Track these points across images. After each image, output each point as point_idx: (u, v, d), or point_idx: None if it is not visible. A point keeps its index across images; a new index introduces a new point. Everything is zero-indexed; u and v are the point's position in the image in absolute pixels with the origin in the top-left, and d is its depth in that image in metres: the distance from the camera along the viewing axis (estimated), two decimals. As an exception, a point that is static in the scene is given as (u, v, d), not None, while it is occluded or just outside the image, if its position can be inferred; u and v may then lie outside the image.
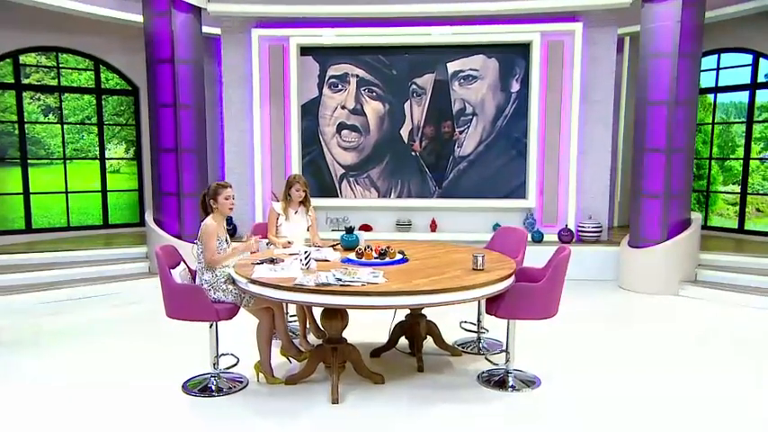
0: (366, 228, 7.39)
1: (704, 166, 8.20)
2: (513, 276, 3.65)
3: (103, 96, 8.18)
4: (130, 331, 5.00)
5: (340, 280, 3.26)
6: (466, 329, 4.70)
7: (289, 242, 4.46)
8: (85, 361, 4.25)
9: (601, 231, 7.25)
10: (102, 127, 8.18)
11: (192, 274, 3.83)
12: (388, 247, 3.98)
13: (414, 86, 7.57)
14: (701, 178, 8.20)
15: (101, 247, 7.01)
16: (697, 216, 6.50)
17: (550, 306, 3.60)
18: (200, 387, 3.70)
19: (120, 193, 8.41)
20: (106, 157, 8.25)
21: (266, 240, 4.47)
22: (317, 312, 4.45)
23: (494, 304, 3.63)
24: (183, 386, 3.73)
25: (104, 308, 5.73)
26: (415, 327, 4.20)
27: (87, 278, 6.35)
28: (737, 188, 7.88)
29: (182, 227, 6.69)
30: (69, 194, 7.99)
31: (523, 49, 7.35)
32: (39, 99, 7.77)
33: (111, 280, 6.37)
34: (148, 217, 6.90)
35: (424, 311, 4.27)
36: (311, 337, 4.54)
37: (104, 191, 8.25)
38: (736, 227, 7.85)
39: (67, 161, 7.98)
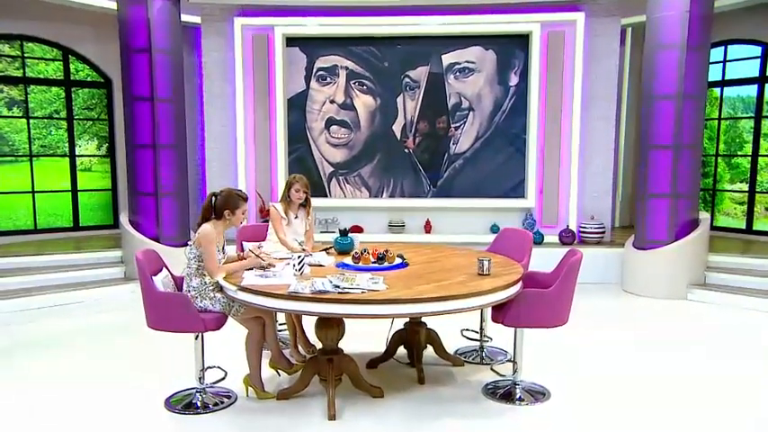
0: (357, 229, 7.31)
1: (710, 163, 8.24)
2: (521, 282, 3.61)
3: (73, 89, 8.02)
4: (105, 342, 4.87)
5: (338, 287, 3.17)
6: (468, 338, 4.65)
7: (302, 247, 4.31)
8: (56, 376, 4.12)
9: (604, 232, 7.25)
10: (71, 122, 8.02)
11: (176, 280, 3.72)
12: (386, 251, 3.91)
13: (407, 80, 7.52)
14: (707, 176, 8.24)
15: (71, 251, 6.86)
16: (705, 216, 6.51)
17: (562, 313, 3.55)
18: (184, 403, 3.60)
19: (92, 193, 8.25)
20: (76, 154, 8.09)
21: (257, 244, 4.36)
22: (308, 322, 4.38)
23: (500, 311, 3.58)
24: (165, 402, 3.63)
25: (76, 317, 5.59)
26: (414, 335, 4.14)
27: (56, 285, 6.20)
28: (745, 186, 7.93)
29: (160, 229, 6.56)
30: (36, 194, 7.82)
31: (522, 40, 7.33)
32: (2, 91, 7.58)
33: (83, 287, 6.23)
34: (123, 218, 6.78)
35: (424, 319, 4.20)
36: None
37: (75, 190, 8.09)
38: (744, 227, 7.90)
39: (34, 158, 7.80)
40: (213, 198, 3.60)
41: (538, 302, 3.50)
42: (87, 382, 4.00)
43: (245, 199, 3.64)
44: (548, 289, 3.51)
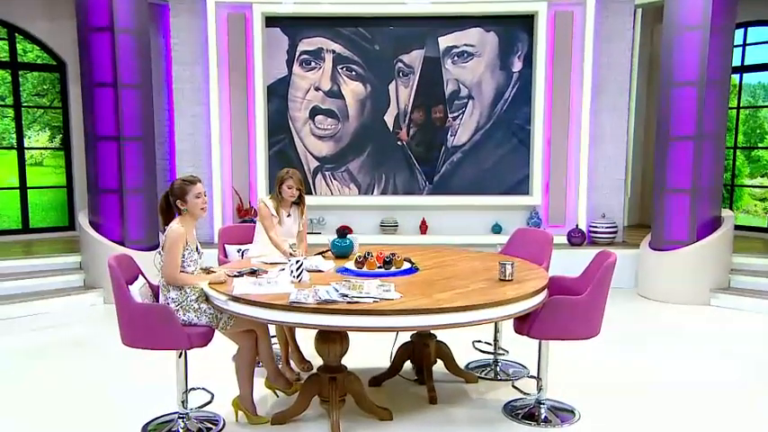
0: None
1: (728, 156, 8.25)
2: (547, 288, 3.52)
3: (21, 72, 7.81)
4: (66, 361, 4.67)
5: (345, 296, 3.03)
6: (481, 350, 4.54)
7: (293, 250, 4.09)
8: (11, 402, 3.92)
9: (616, 232, 7.24)
10: (19, 110, 7.81)
11: (154, 289, 3.55)
12: (393, 254, 3.78)
13: (400, 65, 7.44)
14: (725, 170, 8.25)
15: (20, 256, 6.65)
16: (729, 214, 6.53)
17: (594, 323, 3.48)
18: (164, 431, 3.47)
19: (44, 191, 8.05)
20: (25, 146, 7.87)
21: (241, 249, 4.21)
22: (301, 335, 4.24)
23: (525, 322, 3.47)
24: (142, 430, 3.49)
25: (29, 333, 5.39)
26: (423, 349, 4.03)
27: (4, 295, 5.99)
28: (767, 181, 7.97)
29: (125, 230, 6.35)
30: (-21, 193, 7.61)
31: (527, 21, 7.30)
32: (-61, 75, 7.33)
33: (36, 297, 6.05)
34: (83, 219, 6.58)
35: (433, 330, 4.08)
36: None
37: (23, 188, 7.88)
38: (766, 225, 7.94)
39: (-24, 152, 7.58)
40: (165, 197, 3.49)
41: (569, 311, 3.40)
42: (48, 408, 3.82)
43: (194, 181, 3.44)
44: (579, 296, 3.41)
